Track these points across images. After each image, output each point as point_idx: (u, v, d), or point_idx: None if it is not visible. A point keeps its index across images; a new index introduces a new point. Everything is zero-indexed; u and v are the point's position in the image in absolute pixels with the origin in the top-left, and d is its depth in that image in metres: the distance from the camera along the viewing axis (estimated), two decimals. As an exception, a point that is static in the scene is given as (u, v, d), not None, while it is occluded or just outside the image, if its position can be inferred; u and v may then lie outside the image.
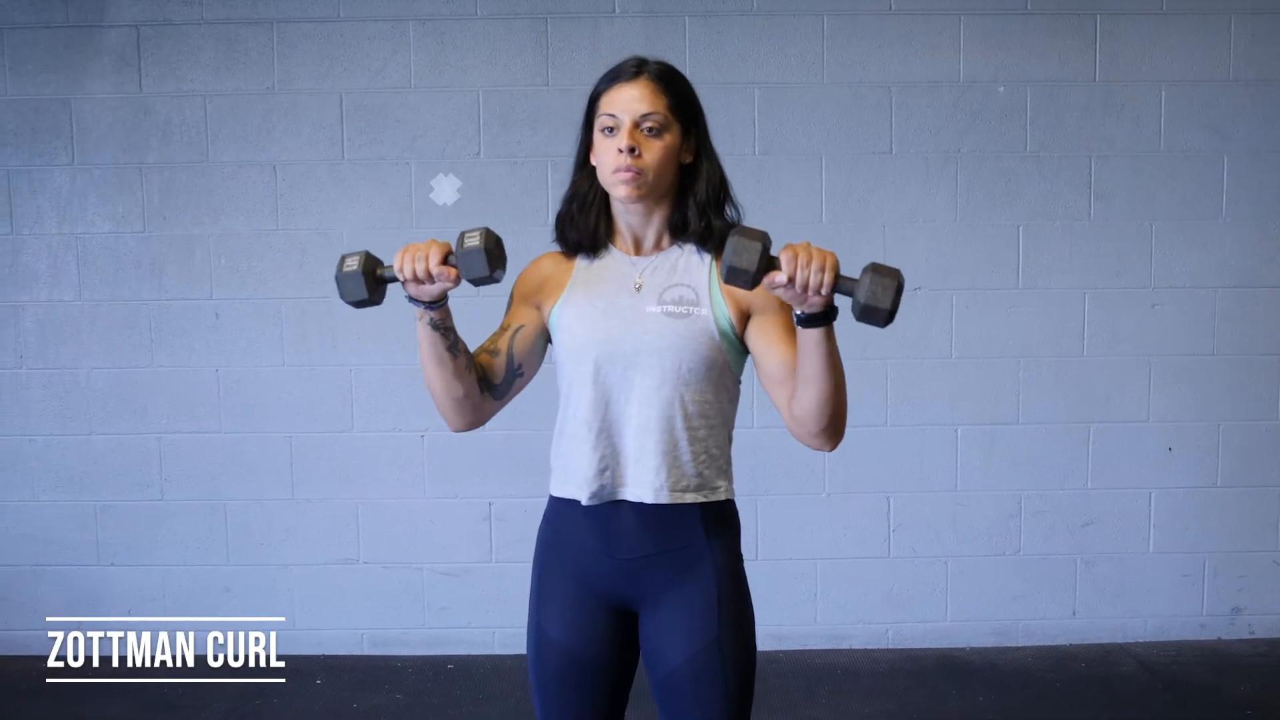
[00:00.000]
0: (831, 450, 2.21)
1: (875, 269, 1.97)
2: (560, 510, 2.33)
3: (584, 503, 2.24)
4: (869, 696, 4.17)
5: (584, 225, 2.31)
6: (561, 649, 2.30)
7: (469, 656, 4.53)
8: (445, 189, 4.41)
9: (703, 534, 2.25)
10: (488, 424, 4.50)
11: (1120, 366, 4.50)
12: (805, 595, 4.53)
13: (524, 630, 4.51)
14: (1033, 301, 4.47)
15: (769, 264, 1.98)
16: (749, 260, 1.96)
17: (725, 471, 2.29)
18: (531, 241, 4.36)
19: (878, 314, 1.97)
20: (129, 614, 4.54)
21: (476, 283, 2.09)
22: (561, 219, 2.36)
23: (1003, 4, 4.36)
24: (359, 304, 2.17)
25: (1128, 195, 4.44)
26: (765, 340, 2.21)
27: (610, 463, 2.23)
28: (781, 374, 2.18)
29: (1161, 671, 4.35)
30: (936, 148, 4.41)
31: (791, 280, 1.96)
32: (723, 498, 2.28)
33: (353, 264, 2.13)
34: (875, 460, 4.49)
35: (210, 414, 4.48)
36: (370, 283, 2.13)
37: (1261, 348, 4.50)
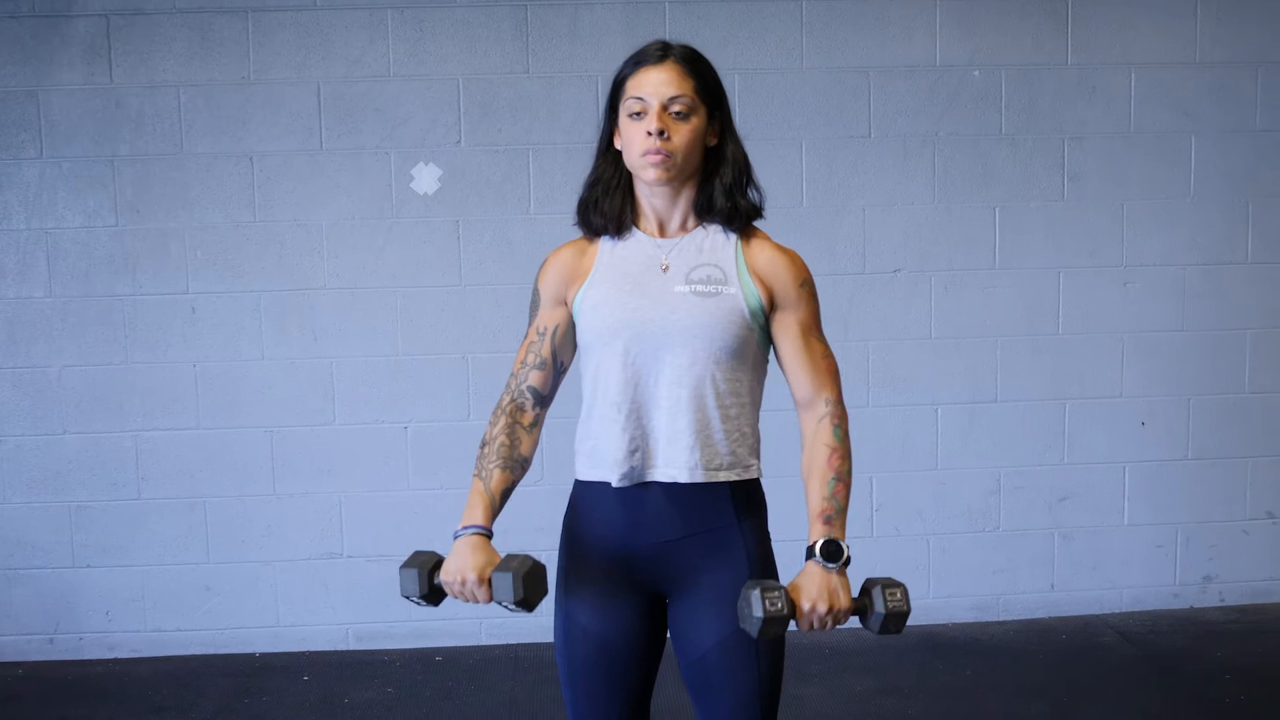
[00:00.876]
0: None
1: (889, 615, 2.14)
2: (587, 495, 2.31)
3: (614, 484, 2.23)
4: (860, 673, 4.22)
5: (608, 209, 2.29)
6: (591, 635, 2.29)
7: (457, 648, 4.51)
8: (426, 178, 4.37)
9: (733, 514, 2.25)
10: (470, 416, 4.52)
11: (1094, 344, 4.60)
12: (790, 577, 4.54)
13: (512, 620, 4.53)
14: (1009, 282, 4.55)
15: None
16: (769, 636, 2.08)
17: (756, 450, 2.30)
18: (513, 231, 4.40)
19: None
20: (107, 615, 4.47)
21: None
22: (584, 204, 2.32)
23: (977, -12, 4.45)
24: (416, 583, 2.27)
25: (1100, 176, 4.54)
26: (785, 351, 2.27)
27: (640, 444, 2.22)
28: (801, 397, 2.28)
29: (1140, 641, 4.46)
30: (914, 131, 4.47)
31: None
32: (754, 476, 2.29)
33: (415, 598, 2.23)
34: (857, 441, 4.43)
35: (188, 410, 4.41)
36: (425, 588, 2.23)
37: (1229, 323, 4.62)
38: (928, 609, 4.64)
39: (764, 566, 2.28)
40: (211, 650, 4.49)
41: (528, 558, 2.12)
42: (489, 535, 2.20)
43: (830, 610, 2.11)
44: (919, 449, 4.61)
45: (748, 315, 2.21)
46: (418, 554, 2.24)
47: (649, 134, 2.17)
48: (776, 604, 2.04)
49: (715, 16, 4.36)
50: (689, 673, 2.30)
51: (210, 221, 4.35)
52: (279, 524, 4.48)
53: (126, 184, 4.33)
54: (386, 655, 4.48)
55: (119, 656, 4.48)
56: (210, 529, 4.47)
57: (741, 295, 2.21)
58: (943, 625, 4.63)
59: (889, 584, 2.17)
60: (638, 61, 2.23)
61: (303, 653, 4.50)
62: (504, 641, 4.51)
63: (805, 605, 2.10)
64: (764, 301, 2.23)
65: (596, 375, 2.26)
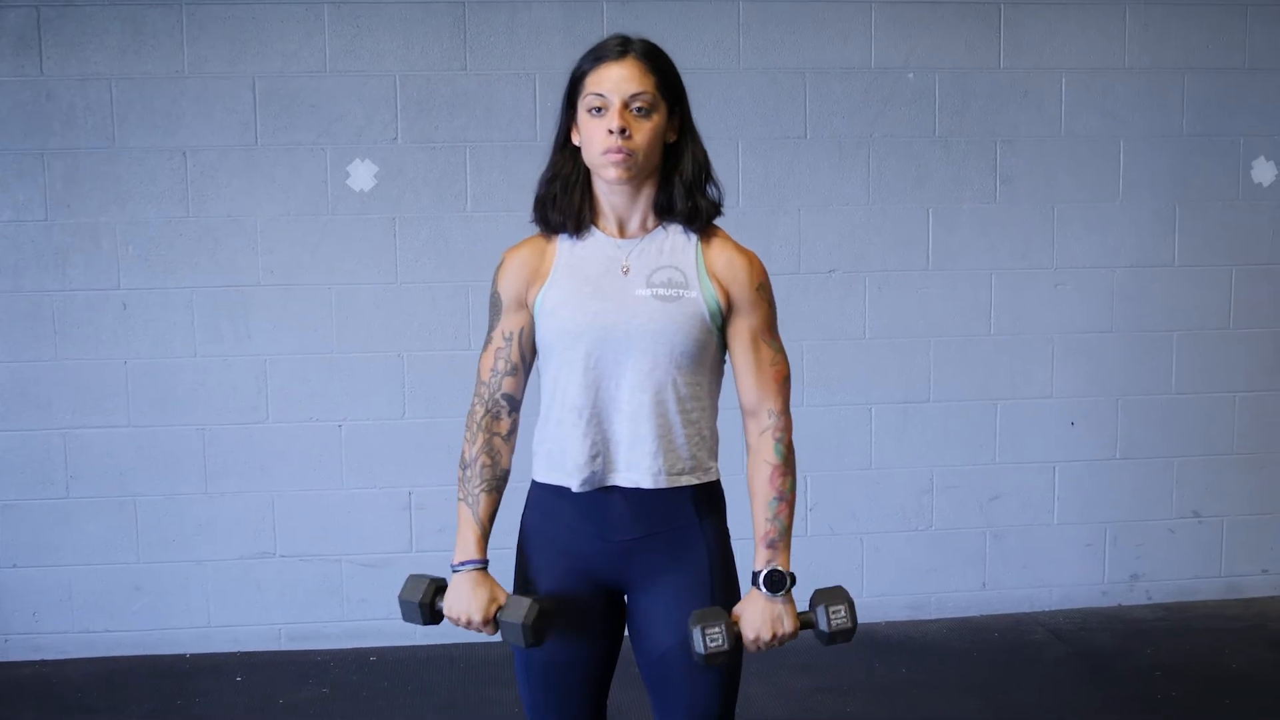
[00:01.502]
0: None
1: (832, 634, 2.24)
2: (545, 496, 2.30)
3: (574, 489, 2.23)
4: (798, 672, 4.24)
5: (567, 206, 2.26)
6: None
7: (391, 648, 4.47)
8: (362, 175, 4.34)
9: (694, 514, 2.26)
10: (405, 414, 4.49)
11: (1025, 345, 4.67)
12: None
13: (447, 622, 4.50)
14: (942, 283, 4.60)
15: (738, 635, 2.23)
16: (714, 665, 2.19)
17: (715, 451, 2.30)
18: (450, 229, 4.38)
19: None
20: (34, 616, 4.39)
21: None
22: (542, 200, 2.30)
23: (912, -8, 4.50)
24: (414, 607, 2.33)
25: (1031, 179, 4.60)
26: (735, 355, 2.28)
27: (601, 449, 2.22)
28: (746, 404, 2.29)
29: (1071, 639, 4.51)
30: (849, 133, 4.51)
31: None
32: (713, 478, 2.30)
33: (414, 618, 2.29)
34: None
35: (119, 407, 4.35)
36: (428, 617, 2.29)
37: (1156, 324, 4.70)
38: (863, 608, 4.59)
39: (724, 564, 2.30)
40: (141, 651, 4.42)
41: (534, 603, 2.18)
42: (485, 566, 2.25)
43: (774, 637, 2.21)
44: (853, 448, 4.64)
45: (708, 318, 2.21)
46: (413, 580, 2.28)
47: (610, 132, 2.15)
48: (716, 640, 2.15)
49: (653, 15, 4.37)
50: (649, 671, 2.31)
51: (143, 217, 4.30)
52: (211, 523, 4.42)
53: (57, 178, 4.26)
54: (320, 655, 4.43)
55: (46, 658, 4.40)
56: (141, 528, 4.40)
57: (702, 299, 2.20)
58: (877, 624, 4.66)
59: (833, 601, 2.25)
60: (598, 57, 2.20)
61: (235, 653, 4.44)
62: (439, 642, 4.47)
63: (750, 635, 2.21)
64: (722, 304, 2.22)
65: (556, 378, 2.25)
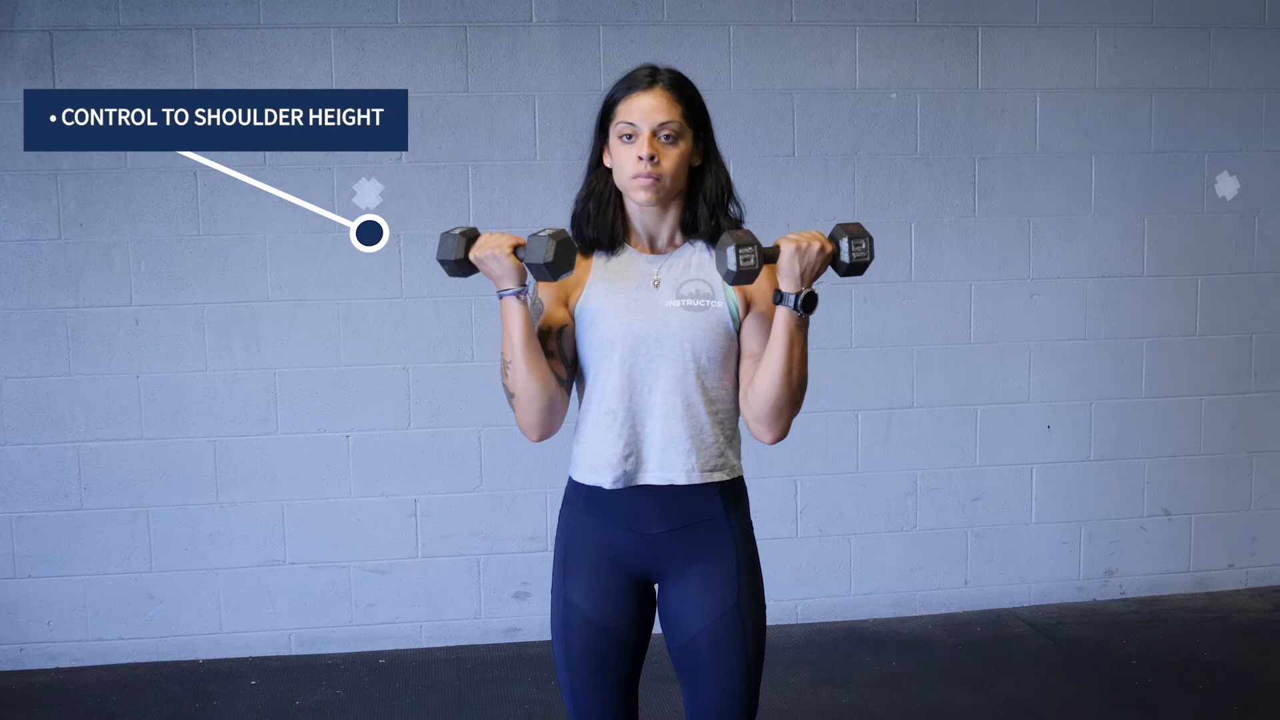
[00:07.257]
0: (771, 442, 2.42)
1: (849, 261, 2.37)
2: (581, 493, 2.48)
3: (607, 487, 2.41)
4: (792, 667, 4.42)
5: (602, 224, 2.45)
6: (588, 620, 2.45)
7: (399, 651, 4.61)
8: (368, 193, 4.49)
9: (722, 507, 2.44)
10: (411, 425, 4.63)
11: (1003, 352, 4.87)
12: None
13: (452, 624, 4.64)
14: (924, 293, 4.80)
15: (766, 258, 2.29)
16: (753, 262, 2.27)
17: (739, 450, 2.49)
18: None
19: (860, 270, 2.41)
20: (49, 625, 4.49)
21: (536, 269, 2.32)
22: (578, 218, 2.49)
23: (894, 16, 4.68)
24: (450, 264, 2.44)
25: (1008, 194, 4.81)
26: (748, 344, 2.42)
27: (634, 449, 2.40)
28: (756, 351, 2.41)
29: (1050, 632, 4.72)
30: (835, 151, 4.70)
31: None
32: (739, 474, 2.49)
33: (456, 274, 2.46)
34: (783, 445, 4.66)
35: (132, 421, 4.46)
36: (463, 262, 2.42)
37: (1128, 332, 4.92)
38: (850, 605, 4.86)
39: (749, 555, 2.48)
40: (154, 658, 4.53)
41: (550, 238, 2.29)
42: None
43: (814, 250, 2.30)
44: (841, 453, 4.83)
45: (731, 327, 2.40)
46: (446, 239, 2.44)
47: (640, 158, 2.33)
48: (748, 259, 2.25)
49: (646, 40, 4.53)
50: (679, 655, 2.48)
51: (154, 235, 4.41)
52: (222, 532, 4.55)
53: (70, 197, 4.37)
54: (330, 659, 4.57)
55: (61, 666, 4.50)
56: (153, 538, 4.51)
57: (726, 309, 2.40)
58: (864, 620, 4.85)
59: (856, 235, 2.37)
60: (629, 86, 2.40)
61: (246, 658, 4.57)
62: (445, 644, 4.63)
63: (788, 247, 2.29)
64: (741, 310, 2.42)
65: (593, 384, 2.43)
